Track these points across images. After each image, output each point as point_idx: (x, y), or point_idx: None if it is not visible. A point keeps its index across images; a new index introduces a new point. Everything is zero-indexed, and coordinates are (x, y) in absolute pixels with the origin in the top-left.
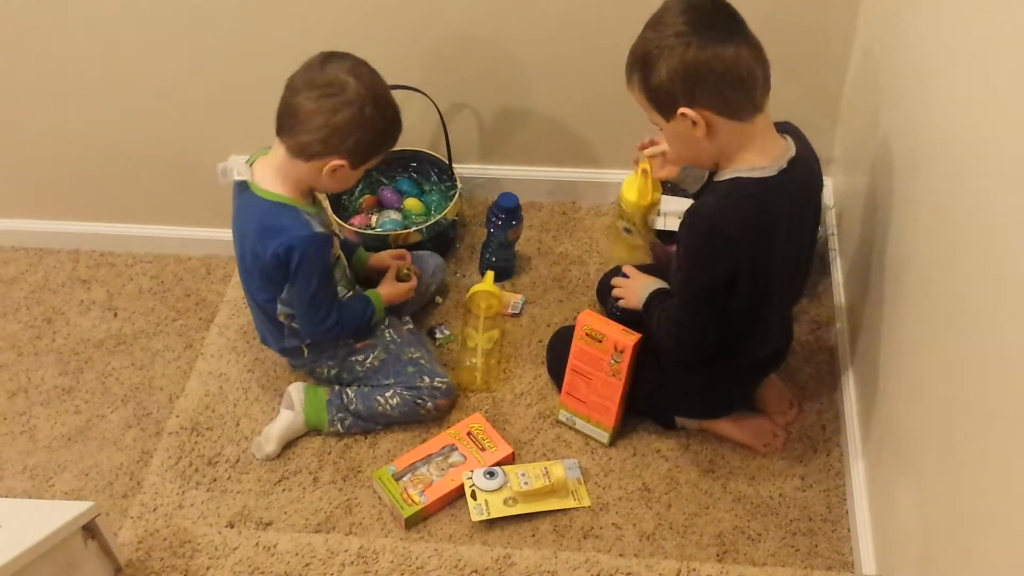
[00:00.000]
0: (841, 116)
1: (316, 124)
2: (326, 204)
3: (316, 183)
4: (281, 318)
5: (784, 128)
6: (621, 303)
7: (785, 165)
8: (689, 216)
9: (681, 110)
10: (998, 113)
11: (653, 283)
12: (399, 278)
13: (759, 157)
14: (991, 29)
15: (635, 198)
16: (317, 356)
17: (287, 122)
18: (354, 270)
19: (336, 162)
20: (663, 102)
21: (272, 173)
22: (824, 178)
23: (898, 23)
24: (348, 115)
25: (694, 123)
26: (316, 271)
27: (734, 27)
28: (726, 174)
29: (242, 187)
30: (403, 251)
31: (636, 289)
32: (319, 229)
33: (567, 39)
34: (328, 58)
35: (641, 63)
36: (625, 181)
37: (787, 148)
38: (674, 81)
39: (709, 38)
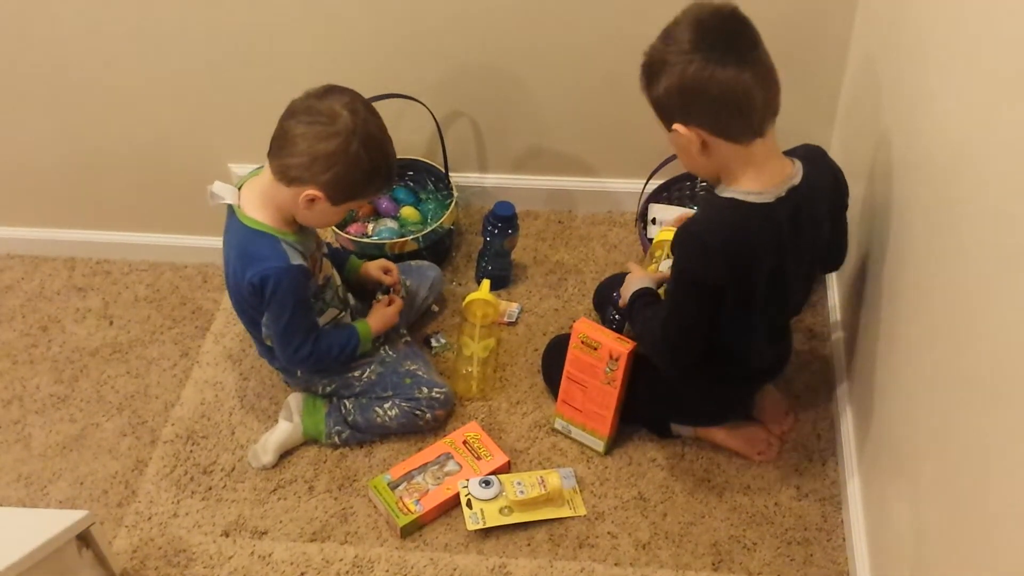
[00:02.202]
0: (837, 124)
1: (301, 148)
2: None
3: (296, 212)
4: (267, 342)
5: (804, 153)
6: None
7: (783, 193)
8: (680, 232)
9: (675, 126)
10: (994, 120)
11: (644, 279)
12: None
13: (755, 182)
14: (986, 36)
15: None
16: (311, 376)
17: (276, 143)
18: (347, 280)
19: (312, 192)
20: (662, 114)
21: (257, 197)
22: None
23: (894, 31)
24: (333, 146)
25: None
26: (289, 302)
27: (741, 48)
28: (723, 192)
29: (231, 210)
30: (391, 266)
31: (630, 282)
32: (296, 261)
33: (564, 49)
34: (331, 90)
35: (647, 72)
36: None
37: (791, 176)
38: (671, 97)
39: (710, 59)
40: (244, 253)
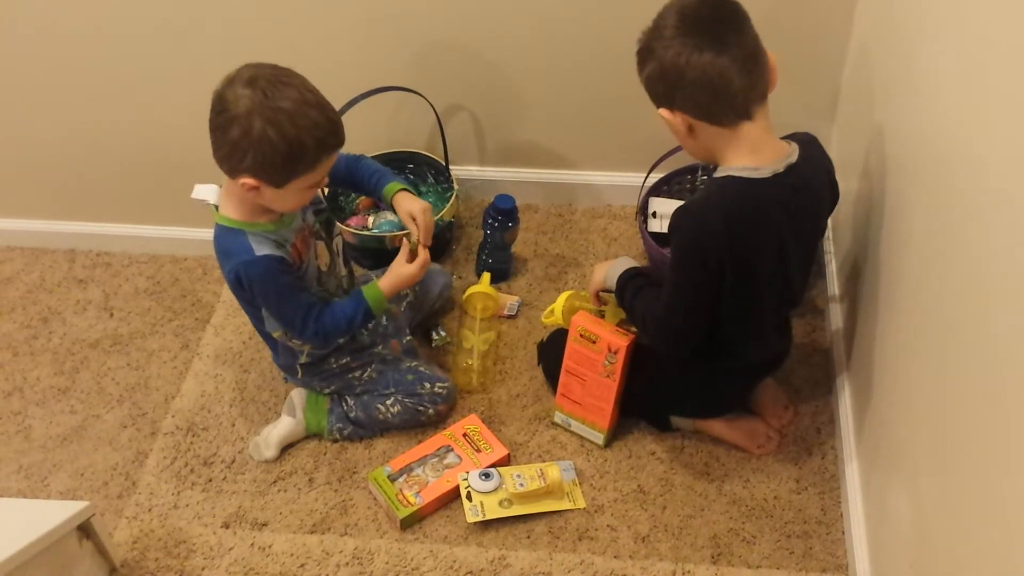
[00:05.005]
0: (837, 120)
1: (218, 141)
2: None
3: (253, 201)
4: (275, 335)
5: (799, 138)
6: (591, 286)
7: (781, 169)
8: (676, 213)
9: (660, 111)
10: (991, 117)
11: (623, 262)
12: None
13: (750, 159)
14: (984, 33)
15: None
16: (310, 378)
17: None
18: (386, 204)
19: (246, 180)
20: (651, 98)
21: (225, 193)
22: None
23: (893, 27)
24: (237, 133)
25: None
26: (270, 291)
27: (721, 33)
28: (719, 172)
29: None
30: (421, 213)
31: (604, 267)
32: (264, 251)
33: (564, 42)
34: (239, 70)
35: (638, 58)
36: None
37: (788, 154)
38: (653, 82)
39: (689, 44)
40: (218, 251)
